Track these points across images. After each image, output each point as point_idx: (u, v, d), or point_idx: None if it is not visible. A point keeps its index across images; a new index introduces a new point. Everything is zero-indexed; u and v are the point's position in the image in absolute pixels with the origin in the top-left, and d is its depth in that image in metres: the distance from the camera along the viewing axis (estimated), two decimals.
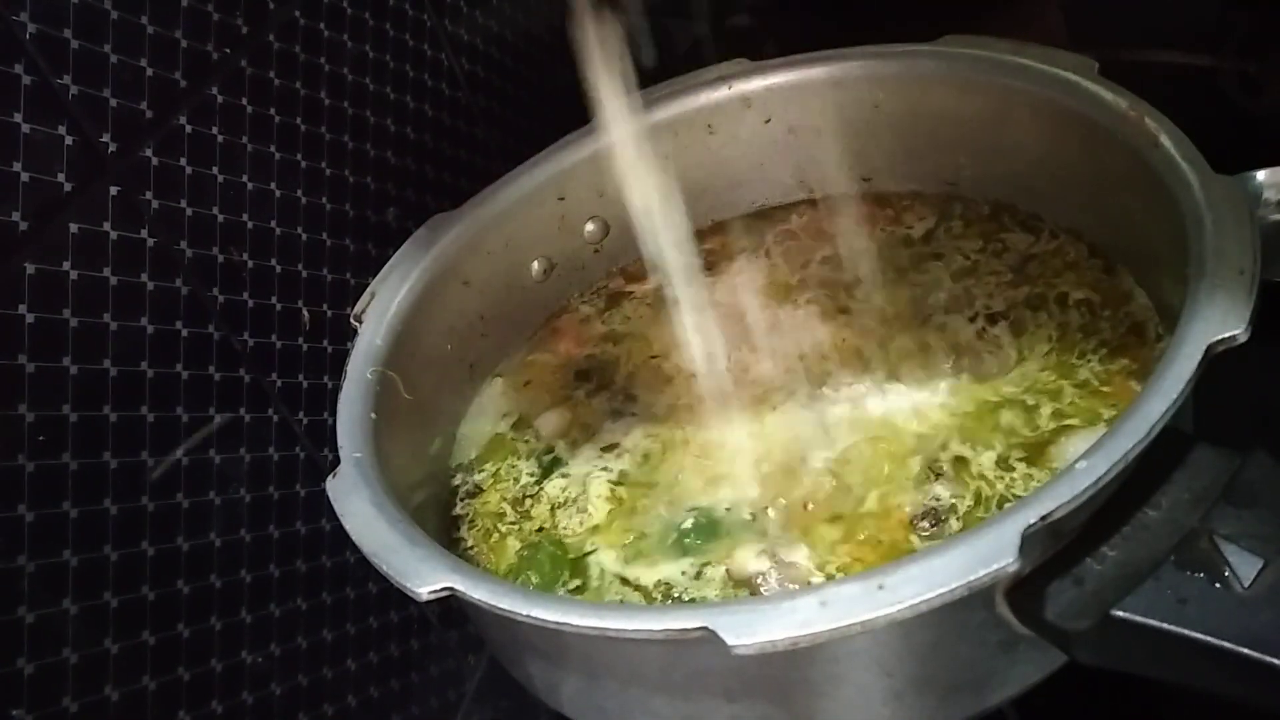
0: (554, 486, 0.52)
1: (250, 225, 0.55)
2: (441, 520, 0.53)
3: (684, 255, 0.61)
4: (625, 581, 0.47)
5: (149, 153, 0.49)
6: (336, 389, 0.50)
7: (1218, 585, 0.35)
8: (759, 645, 0.34)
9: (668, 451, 0.52)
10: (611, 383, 0.56)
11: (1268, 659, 0.34)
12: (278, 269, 0.56)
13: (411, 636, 0.64)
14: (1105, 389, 0.47)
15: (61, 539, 0.45)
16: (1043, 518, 0.34)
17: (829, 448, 0.49)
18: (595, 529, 0.49)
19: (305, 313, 0.58)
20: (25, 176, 0.44)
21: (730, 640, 0.34)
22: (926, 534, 0.44)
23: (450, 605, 0.40)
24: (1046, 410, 0.47)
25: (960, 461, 0.46)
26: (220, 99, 0.53)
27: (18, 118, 0.44)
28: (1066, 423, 0.46)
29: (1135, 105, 0.48)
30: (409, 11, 0.66)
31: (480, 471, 0.55)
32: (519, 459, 0.54)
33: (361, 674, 0.60)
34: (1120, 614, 0.36)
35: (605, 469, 0.52)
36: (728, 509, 0.48)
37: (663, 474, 0.51)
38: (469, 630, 0.68)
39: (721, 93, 0.60)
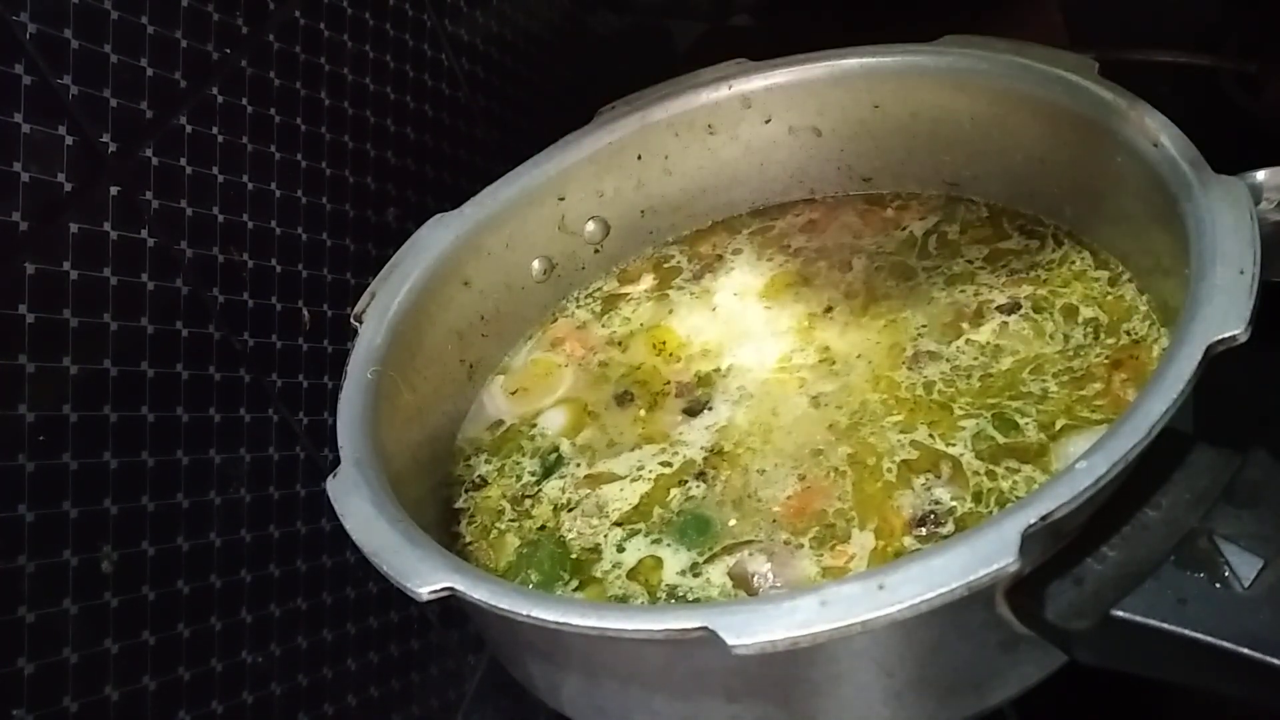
0: (553, 487, 0.52)
1: (250, 225, 0.55)
2: (441, 516, 0.53)
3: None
4: (635, 575, 0.47)
5: (149, 153, 0.49)
6: (337, 389, 0.50)
7: (1218, 585, 0.35)
8: (759, 645, 0.34)
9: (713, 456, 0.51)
10: (654, 400, 0.55)
11: (1268, 659, 0.34)
12: (278, 269, 0.56)
13: (412, 636, 0.64)
14: (1099, 401, 0.47)
15: (62, 539, 0.45)
16: (1043, 518, 0.34)
17: (828, 449, 0.49)
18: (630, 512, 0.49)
19: (305, 313, 0.58)
20: (25, 177, 0.44)
21: (730, 640, 0.34)
22: (924, 537, 0.44)
23: (450, 605, 0.40)
24: (1033, 414, 0.47)
25: (955, 463, 0.46)
26: (220, 99, 0.53)
27: (18, 118, 0.44)
28: (1059, 424, 0.46)
29: (1135, 105, 0.48)
30: (409, 12, 0.66)
31: (487, 464, 0.55)
32: (524, 456, 0.54)
33: (362, 674, 0.60)
34: (1120, 614, 0.36)
35: (640, 467, 0.51)
36: (718, 502, 0.48)
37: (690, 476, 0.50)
38: (469, 630, 0.68)
39: (721, 92, 0.60)
